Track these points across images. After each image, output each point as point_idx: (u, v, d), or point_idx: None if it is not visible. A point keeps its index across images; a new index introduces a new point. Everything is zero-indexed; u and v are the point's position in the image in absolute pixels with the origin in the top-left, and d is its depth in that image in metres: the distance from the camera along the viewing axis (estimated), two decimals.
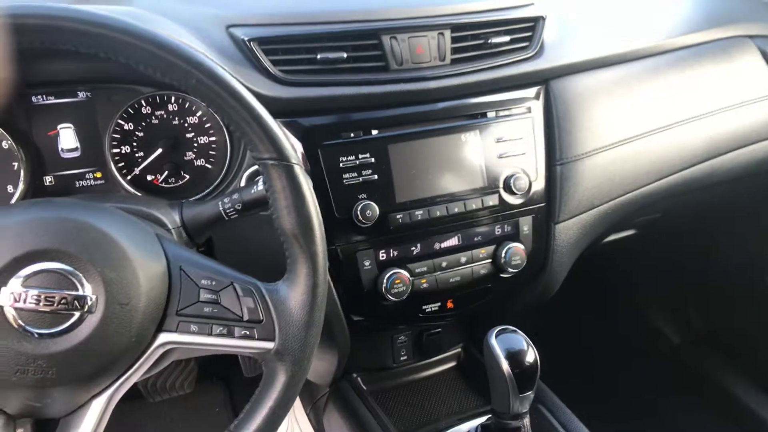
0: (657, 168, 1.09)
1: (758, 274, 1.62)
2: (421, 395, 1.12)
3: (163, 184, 0.90)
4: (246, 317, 0.60)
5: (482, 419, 0.91)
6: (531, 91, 1.01)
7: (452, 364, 1.20)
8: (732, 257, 1.67)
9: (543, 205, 1.01)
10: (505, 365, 0.79)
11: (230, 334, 0.60)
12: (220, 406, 1.48)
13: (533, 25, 0.99)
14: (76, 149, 0.86)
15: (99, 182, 0.88)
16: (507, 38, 0.96)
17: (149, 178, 0.90)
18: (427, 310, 0.97)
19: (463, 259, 0.96)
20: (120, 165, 0.88)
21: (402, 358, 1.15)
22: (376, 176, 0.89)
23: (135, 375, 0.59)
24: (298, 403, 1.38)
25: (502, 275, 0.99)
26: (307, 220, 0.62)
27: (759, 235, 1.60)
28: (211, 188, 0.90)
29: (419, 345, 1.16)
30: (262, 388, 0.61)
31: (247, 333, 0.60)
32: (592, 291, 1.83)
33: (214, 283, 0.61)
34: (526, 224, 1.00)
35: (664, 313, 1.86)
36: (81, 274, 0.55)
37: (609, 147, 1.04)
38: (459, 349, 1.21)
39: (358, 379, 1.12)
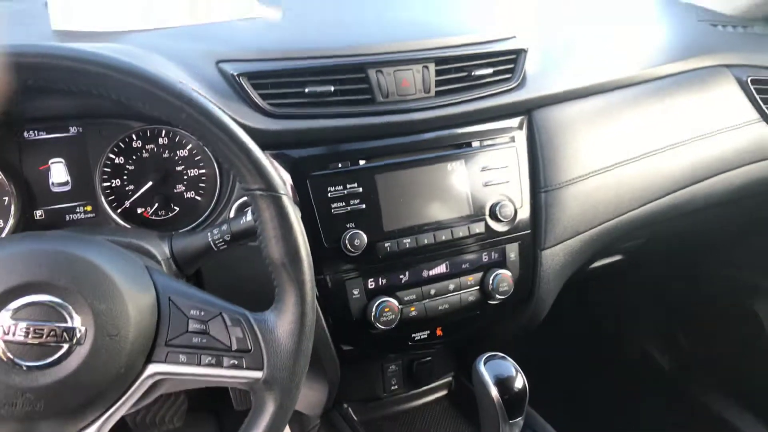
0: (639, 195, 1.11)
1: (741, 299, 1.64)
2: (413, 425, 1.11)
3: (153, 217, 0.91)
4: (234, 347, 0.61)
5: None
6: (514, 121, 1.03)
7: (443, 393, 1.20)
8: (716, 282, 1.69)
9: (528, 232, 1.02)
10: (494, 392, 0.80)
11: (219, 364, 0.60)
12: None
13: (515, 57, 1.02)
14: (66, 183, 0.86)
15: (89, 216, 0.88)
16: (490, 70, 0.99)
17: (139, 210, 0.90)
18: (416, 338, 0.97)
19: (452, 287, 0.97)
20: (110, 198, 0.88)
21: (393, 388, 1.15)
22: (364, 205, 0.91)
23: (123, 407, 0.59)
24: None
25: (490, 302, 1.00)
26: (294, 249, 0.63)
27: (740, 260, 1.63)
28: (200, 220, 0.91)
29: (410, 374, 1.16)
30: (251, 418, 0.62)
31: (236, 362, 0.60)
32: (580, 316, 1.84)
33: (202, 313, 0.61)
34: (512, 251, 1.01)
35: (653, 338, 1.87)
36: (70, 306, 0.55)
37: (591, 174, 1.07)
38: (450, 378, 1.21)
39: (349, 409, 1.12)
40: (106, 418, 0.58)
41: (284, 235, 0.62)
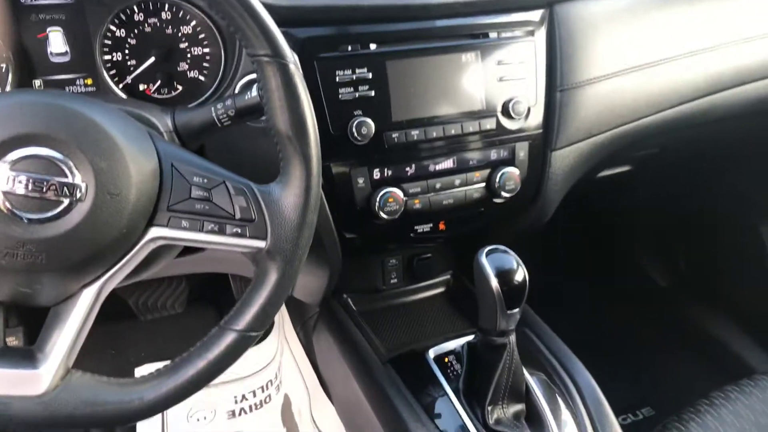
0: (657, 100, 1.08)
1: (747, 218, 1.63)
2: (410, 317, 1.13)
3: (156, 95, 0.89)
4: (238, 215, 0.60)
5: (469, 338, 0.93)
6: (535, 14, 0.98)
7: (441, 289, 1.21)
8: (723, 200, 1.67)
9: (540, 131, 1.00)
10: (494, 283, 0.80)
11: (222, 232, 0.60)
12: (211, 327, 1.50)
13: None
14: (65, 53, 0.83)
15: (90, 89, 0.86)
16: None
17: (141, 87, 0.88)
18: (419, 231, 0.97)
19: (457, 182, 0.96)
20: (111, 72, 0.86)
21: (392, 281, 1.16)
22: (372, 92, 0.88)
23: (125, 268, 0.59)
24: (288, 323, 1.41)
25: (495, 200, 0.99)
26: (301, 120, 0.61)
27: (752, 179, 1.61)
28: (203, 99, 0.89)
29: (410, 269, 1.17)
30: (253, 286, 0.62)
31: (239, 231, 0.60)
32: (583, 228, 1.85)
33: (205, 180, 0.60)
34: (522, 150, 0.99)
35: (653, 256, 1.89)
36: (71, 162, 0.54)
37: (610, 76, 1.03)
38: (448, 276, 1.22)
39: (348, 299, 1.14)
40: (107, 278, 0.58)
41: (290, 106, 0.60)
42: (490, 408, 0.85)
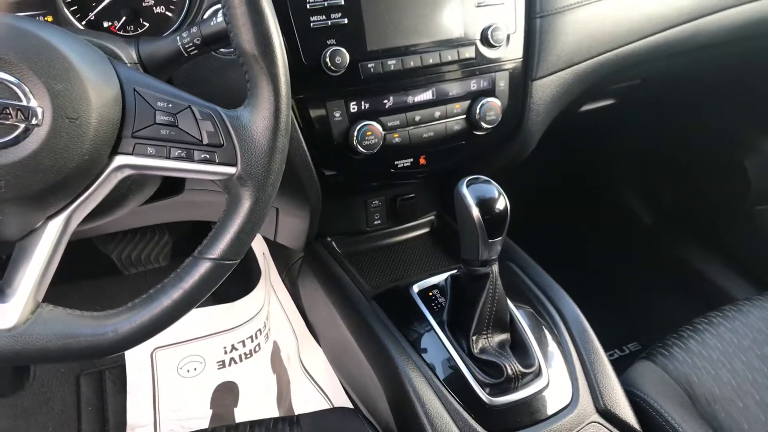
0: (639, 26, 1.05)
1: (731, 153, 1.63)
2: (394, 258, 1.13)
3: (121, 32, 0.85)
4: (206, 141, 0.58)
5: (452, 272, 0.92)
6: None
7: (426, 230, 1.21)
8: (707, 134, 1.66)
9: (520, 59, 0.97)
10: (476, 212, 0.79)
11: (189, 158, 0.57)
12: None
13: None
14: None
15: None
16: None
17: (106, 24, 0.84)
18: (399, 166, 0.95)
19: (437, 114, 0.94)
20: (73, 9, 0.82)
21: (376, 223, 1.15)
22: (345, 20, 0.85)
23: (92, 199, 0.57)
24: (274, 272, 1.40)
25: (476, 132, 0.97)
26: (266, 38, 0.58)
27: (735, 115, 1.59)
28: (169, 33, 0.85)
29: (393, 210, 1.15)
30: (226, 214, 0.60)
31: (207, 157, 0.58)
32: (567, 166, 1.84)
33: (170, 105, 0.58)
34: (502, 80, 0.97)
35: (637, 194, 1.89)
36: (24, 85, 0.51)
37: (591, 1, 1.00)
38: (432, 217, 1.21)
39: (332, 242, 1.13)
40: (74, 208, 0.56)
41: (254, 21, 0.57)
42: (474, 338, 0.85)
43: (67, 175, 0.54)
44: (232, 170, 0.59)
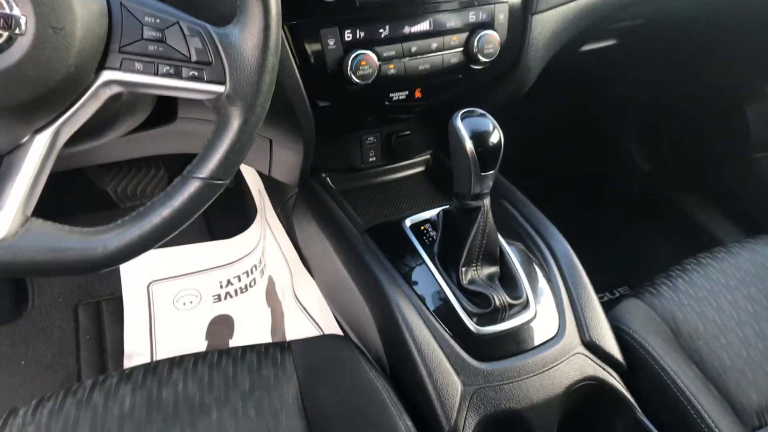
0: None
1: (733, 99, 1.61)
2: (388, 194, 1.13)
3: None
4: (194, 58, 0.57)
5: (445, 207, 0.93)
6: None
7: (421, 168, 1.20)
8: (709, 80, 1.64)
9: None
10: (469, 144, 0.79)
11: (178, 75, 0.57)
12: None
13: None
14: None
15: None
16: None
17: None
18: (394, 98, 0.94)
19: (434, 46, 0.92)
20: None
21: (371, 160, 1.15)
22: None
23: (80, 114, 0.57)
24: (270, 208, 1.40)
25: (473, 66, 0.96)
26: None
27: (739, 58, 1.56)
28: None
29: (388, 147, 1.15)
30: (215, 134, 0.60)
31: (196, 74, 0.57)
32: (566, 108, 1.82)
33: (158, 20, 0.56)
34: (501, 12, 0.94)
35: (637, 140, 1.87)
36: None
37: None
38: (428, 156, 1.21)
39: (327, 178, 1.12)
40: (61, 123, 0.56)
41: None
42: (464, 269, 0.86)
43: (53, 87, 0.53)
44: (220, 89, 0.58)
